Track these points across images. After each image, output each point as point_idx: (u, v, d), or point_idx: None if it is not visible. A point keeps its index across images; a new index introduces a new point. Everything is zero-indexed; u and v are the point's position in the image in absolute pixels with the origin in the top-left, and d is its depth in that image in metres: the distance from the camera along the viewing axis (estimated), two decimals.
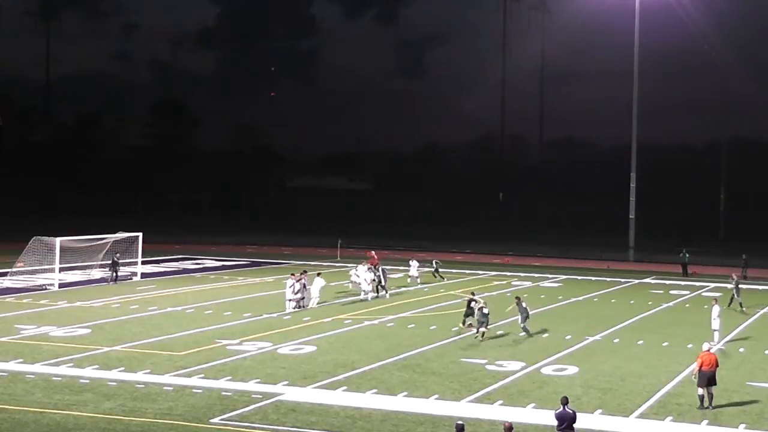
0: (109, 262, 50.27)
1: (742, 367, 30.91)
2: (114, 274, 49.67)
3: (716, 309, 34.80)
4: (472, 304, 36.17)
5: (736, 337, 36.97)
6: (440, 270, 55.30)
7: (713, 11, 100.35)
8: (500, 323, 37.79)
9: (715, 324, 34.54)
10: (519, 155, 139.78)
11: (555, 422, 20.32)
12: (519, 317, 35.78)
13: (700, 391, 25.07)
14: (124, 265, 51.19)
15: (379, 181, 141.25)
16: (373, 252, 55.48)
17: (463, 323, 36.44)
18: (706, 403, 24.99)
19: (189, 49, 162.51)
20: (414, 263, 53.10)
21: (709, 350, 25.84)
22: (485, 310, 34.84)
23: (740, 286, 45.74)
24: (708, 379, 25.02)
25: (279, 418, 23.32)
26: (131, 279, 51.80)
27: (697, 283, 56.74)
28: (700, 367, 25.06)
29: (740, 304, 44.35)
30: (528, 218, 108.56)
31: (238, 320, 38.07)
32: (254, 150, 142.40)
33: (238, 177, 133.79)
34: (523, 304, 35.85)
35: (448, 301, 45.27)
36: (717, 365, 25.30)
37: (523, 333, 35.43)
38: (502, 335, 35.81)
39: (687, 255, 61.78)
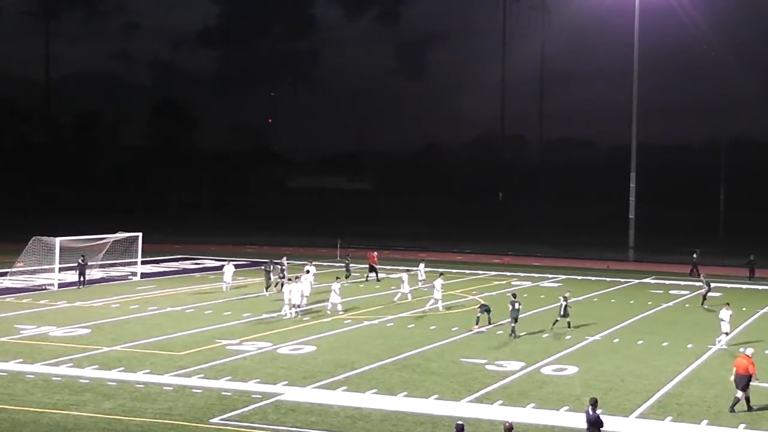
0: (76, 264, 48.01)
1: None
2: (82, 278, 47.62)
3: (726, 312, 34.46)
4: (516, 306, 35.88)
5: (736, 337, 36.94)
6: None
7: (713, 11, 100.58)
8: (500, 323, 37.76)
9: (725, 327, 34.22)
10: (519, 155, 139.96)
11: (555, 422, 20.31)
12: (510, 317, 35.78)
13: (739, 394, 24.82)
14: (73, 268, 50.07)
15: (379, 181, 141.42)
16: (374, 252, 55.65)
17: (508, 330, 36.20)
18: (742, 407, 24.69)
19: (189, 49, 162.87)
20: (421, 266, 51.99)
21: (744, 354, 25.58)
22: (516, 306, 35.57)
23: (711, 284, 47.00)
24: (738, 382, 24.81)
25: (279, 418, 23.31)
26: (131, 279, 51.84)
27: (697, 283, 56.66)
28: (736, 370, 24.95)
29: (704, 298, 45.69)
30: (528, 218, 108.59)
31: (237, 320, 38.05)
32: (254, 150, 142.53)
33: (238, 177, 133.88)
34: (516, 305, 35.68)
35: (448, 301, 45.22)
36: (745, 370, 24.70)
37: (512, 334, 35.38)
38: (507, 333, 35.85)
39: (695, 255, 61.84)
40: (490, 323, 37.36)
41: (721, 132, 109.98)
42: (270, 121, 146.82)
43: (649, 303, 47.13)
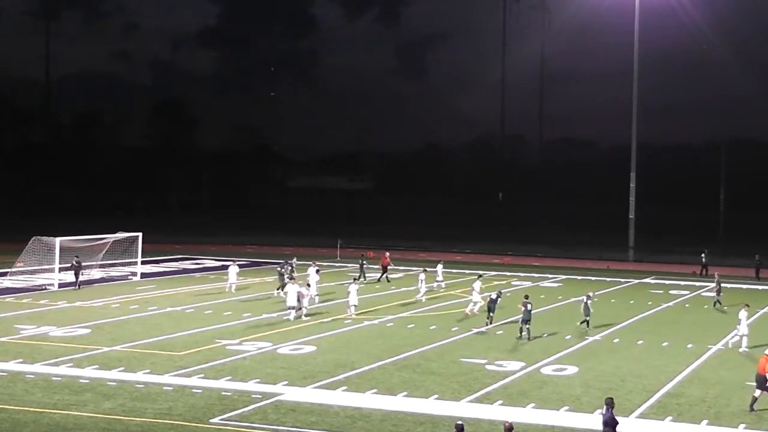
0: (69, 265, 47.55)
1: (742, 367, 30.89)
2: (76, 278, 47.05)
3: (744, 312, 34.15)
4: (529, 307, 35.25)
5: (736, 336, 36.93)
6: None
7: (713, 11, 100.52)
8: (501, 323, 37.78)
9: (744, 329, 33.82)
10: (519, 155, 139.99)
11: (555, 422, 20.24)
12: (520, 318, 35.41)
13: (757, 392, 24.89)
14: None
15: (379, 181, 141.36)
16: (387, 253, 55.64)
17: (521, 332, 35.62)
18: (756, 406, 24.76)
19: (189, 49, 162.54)
20: (439, 267, 52.02)
21: (765, 353, 25.42)
22: (529, 307, 34.97)
23: (722, 284, 46.43)
24: (758, 381, 24.86)
25: (279, 418, 23.31)
26: (131, 279, 51.84)
27: (697, 283, 56.75)
28: (758, 369, 24.98)
29: (719, 302, 45.28)
30: (528, 218, 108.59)
31: (237, 320, 38.05)
32: (254, 150, 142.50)
33: (238, 177, 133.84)
34: (529, 306, 35.22)
35: (448, 301, 45.26)
36: (762, 369, 24.72)
37: (525, 334, 35.07)
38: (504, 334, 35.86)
39: (703, 255, 61.64)
40: (491, 323, 37.33)
41: (721, 132, 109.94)
42: (272, 93, 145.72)
43: (649, 303, 47.13)
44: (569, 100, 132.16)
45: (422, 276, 45.71)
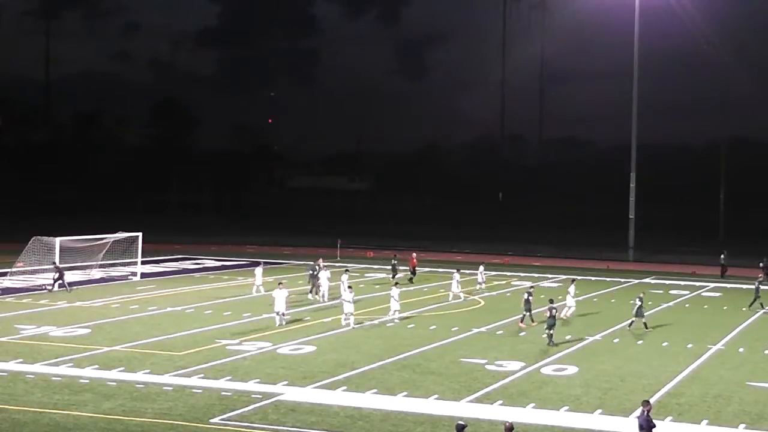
0: (52, 266, 46.87)
1: (742, 367, 30.91)
2: (54, 282, 45.88)
3: None
4: (554, 312, 34.43)
5: (736, 337, 36.97)
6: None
7: (713, 11, 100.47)
8: (501, 323, 37.79)
9: None
10: (519, 155, 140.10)
11: (555, 422, 20.20)
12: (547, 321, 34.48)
13: None
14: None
15: (379, 181, 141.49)
16: (414, 254, 55.81)
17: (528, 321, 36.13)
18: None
19: (189, 49, 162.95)
20: (481, 268, 51.66)
21: None
22: (554, 312, 34.30)
23: (761, 286, 46.09)
24: None
25: (279, 418, 23.31)
26: (131, 279, 51.83)
27: (697, 283, 56.74)
28: None
29: (761, 304, 44.87)
30: (528, 218, 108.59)
31: (237, 320, 38.05)
32: (254, 150, 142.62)
33: (238, 177, 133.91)
34: (554, 312, 34.38)
35: (448, 301, 45.24)
36: None
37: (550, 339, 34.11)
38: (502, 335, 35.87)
39: (722, 257, 61.55)
40: (532, 320, 37.33)
41: (721, 132, 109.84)
42: (270, 121, 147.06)
43: (649, 303, 46.94)
44: (569, 100, 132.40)
45: (457, 276, 45.76)
